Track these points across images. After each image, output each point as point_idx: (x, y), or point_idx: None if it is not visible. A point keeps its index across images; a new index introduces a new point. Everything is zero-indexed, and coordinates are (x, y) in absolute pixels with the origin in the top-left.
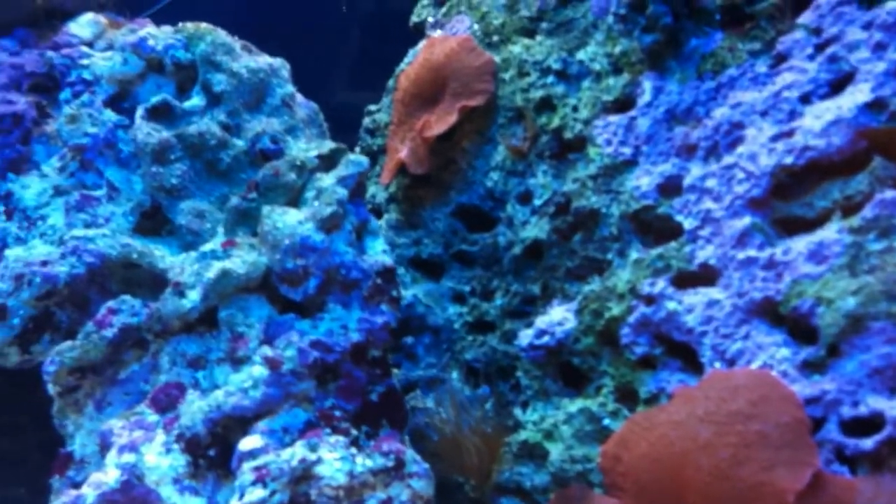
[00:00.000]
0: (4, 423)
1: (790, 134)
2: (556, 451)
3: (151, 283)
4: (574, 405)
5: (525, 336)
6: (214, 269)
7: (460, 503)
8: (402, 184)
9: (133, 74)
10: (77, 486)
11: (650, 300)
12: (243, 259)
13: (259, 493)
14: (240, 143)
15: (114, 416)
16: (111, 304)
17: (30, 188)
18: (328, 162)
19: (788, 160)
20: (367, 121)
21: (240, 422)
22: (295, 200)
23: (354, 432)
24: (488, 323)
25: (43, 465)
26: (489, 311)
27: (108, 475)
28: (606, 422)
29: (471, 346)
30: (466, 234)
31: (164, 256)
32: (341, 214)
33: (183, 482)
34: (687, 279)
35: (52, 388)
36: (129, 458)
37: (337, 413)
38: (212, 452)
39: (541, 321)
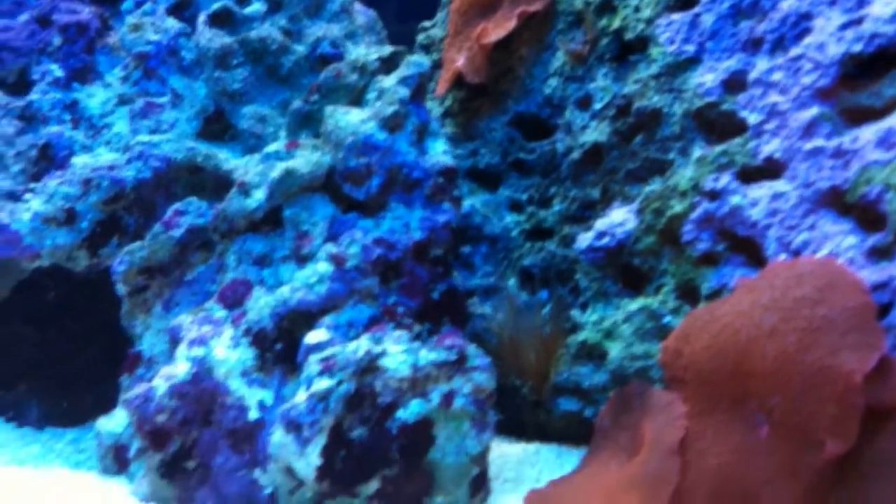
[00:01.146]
0: (70, 332)
1: (859, 22)
2: (615, 349)
3: (215, 186)
4: (634, 304)
5: (584, 239)
6: (279, 168)
7: (518, 406)
8: (457, 97)
9: None
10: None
11: (714, 196)
12: (307, 159)
13: (326, 383)
14: (300, 49)
15: (178, 318)
16: (178, 205)
17: (95, 97)
18: (388, 65)
19: (857, 48)
20: (420, 37)
21: (305, 317)
22: (356, 102)
23: (417, 328)
24: (546, 229)
25: (107, 374)
26: (547, 217)
27: (179, 368)
28: (667, 319)
29: (528, 253)
30: (524, 143)
31: (228, 159)
32: (403, 114)
33: (250, 375)
34: (752, 174)
35: (121, 289)
36: (198, 351)
37: (400, 309)
38: (278, 347)
39: (600, 224)
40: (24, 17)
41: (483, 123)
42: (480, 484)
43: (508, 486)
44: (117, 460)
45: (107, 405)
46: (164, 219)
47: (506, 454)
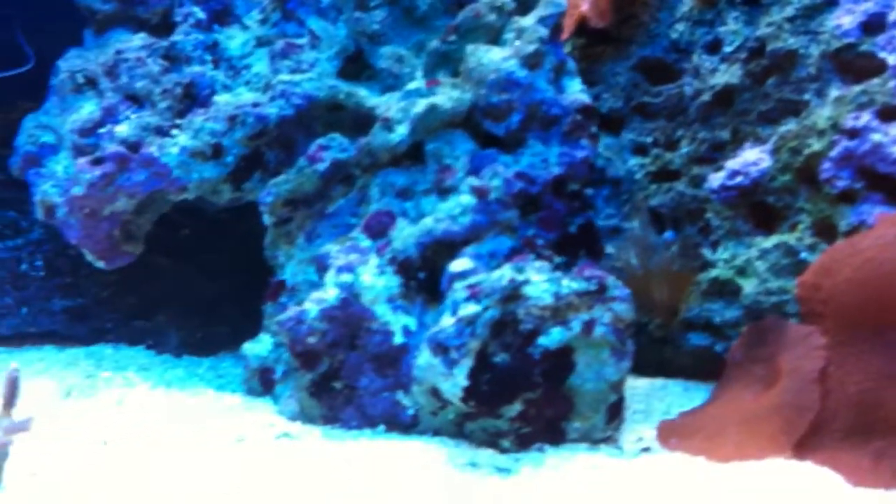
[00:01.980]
0: (203, 265)
1: None
2: (749, 285)
3: (353, 123)
4: (768, 241)
5: (716, 178)
6: (421, 105)
7: (643, 345)
8: (577, 44)
9: None
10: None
11: (854, 134)
12: (448, 95)
13: (472, 308)
14: None
15: (321, 248)
16: (321, 141)
17: (234, 39)
18: (524, 6)
19: None
20: None
21: (448, 247)
22: (494, 42)
23: (557, 259)
24: (673, 171)
25: (237, 305)
26: (673, 159)
27: (328, 293)
28: (803, 255)
29: (655, 194)
30: (649, 87)
31: (368, 96)
32: (542, 53)
33: (395, 302)
34: (892, 113)
35: (267, 219)
36: (346, 277)
37: (539, 241)
38: (421, 275)
39: (732, 163)
40: None
41: (606, 68)
42: (617, 411)
43: (639, 416)
44: (263, 382)
45: (239, 335)
46: (308, 153)
47: (633, 387)
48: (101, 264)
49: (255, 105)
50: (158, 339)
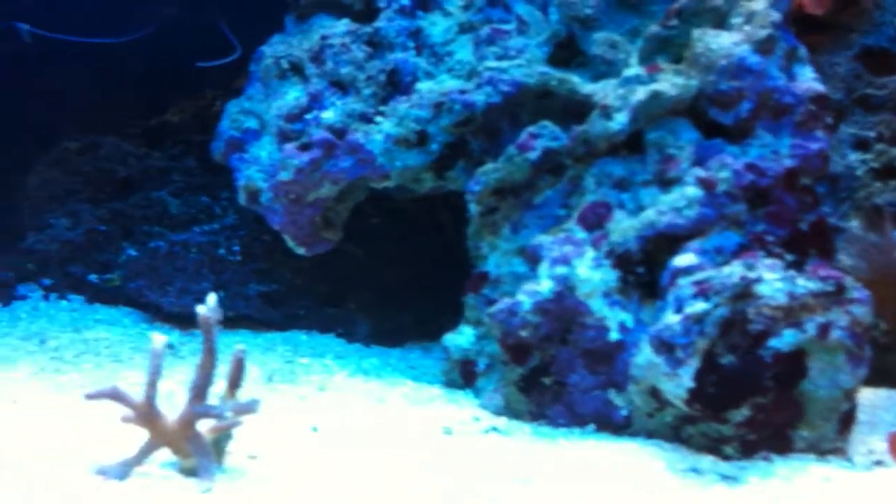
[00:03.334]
0: (391, 254)
1: None
2: None
3: (564, 112)
4: None
5: None
6: (642, 92)
7: None
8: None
9: None
10: (492, 303)
11: None
12: (672, 82)
13: (701, 305)
14: None
15: (528, 239)
16: (531, 129)
17: (437, 25)
18: None
19: None
20: None
21: (669, 241)
22: (719, 26)
23: (788, 257)
24: None
25: (423, 294)
26: None
27: (542, 285)
28: None
29: (880, 192)
30: (872, 78)
31: (582, 83)
32: (775, 38)
33: (612, 296)
34: None
35: (474, 208)
36: (561, 270)
37: (769, 238)
38: (640, 269)
39: None
40: None
41: (823, 59)
42: (848, 420)
43: (864, 427)
44: (464, 374)
45: (422, 325)
46: (518, 141)
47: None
48: (301, 250)
49: (462, 92)
50: (348, 326)
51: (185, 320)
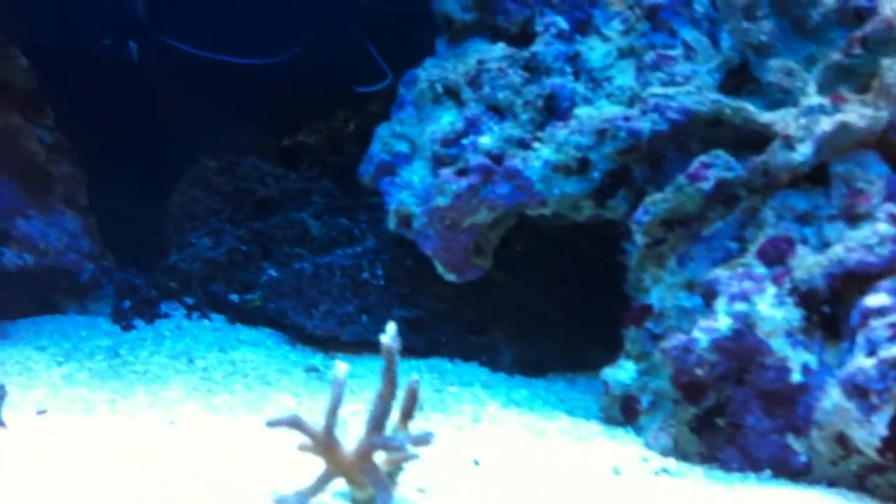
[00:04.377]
0: (536, 282)
1: None
2: None
3: (736, 141)
4: None
5: None
6: (828, 122)
7: None
8: None
9: None
10: (655, 337)
11: None
12: (860, 113)
13: None
14: (829, 1)
15: (696, 272)
16: (703, 158)
17: (595, 50)
18: None
19: None
20: None
21: (859, 279)
22: None
23: None
24: None
25: (568, 324)
26: None
27: (720, 322)
28: None
29: None
30: None
31: (759, 112)
32: None
33: (795, 336)
34: None
35: (640, 239)
36: (740, 306)
37: None
38: (825, 309)
39: None
40: None
41: None
42: None
43: None
44: (624, 411)
45: (566, 355)
46: (688, 171)
47: None
48: (452, 277)
49: (626, 119)
50: (492, 355)
51: (328, 343)
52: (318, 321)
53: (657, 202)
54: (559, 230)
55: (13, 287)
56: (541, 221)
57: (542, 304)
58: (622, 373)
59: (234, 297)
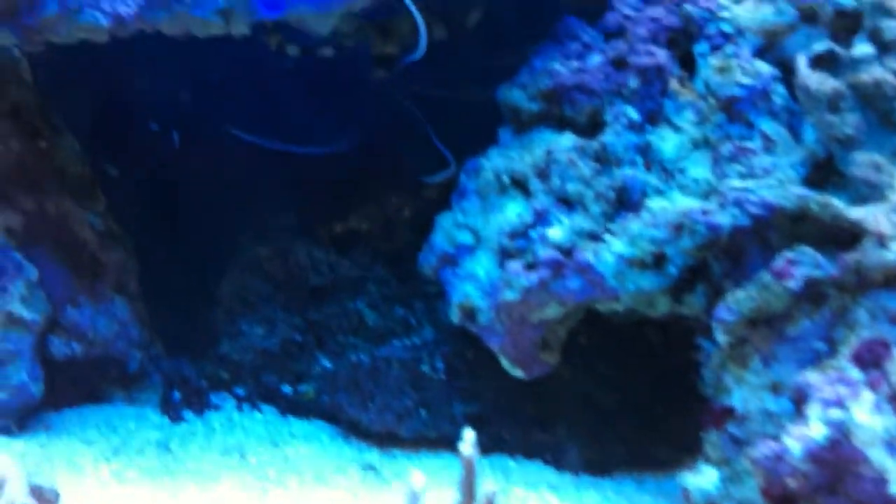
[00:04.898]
0: (603, 377)
1: None
2: None
3: (818, 237)
4: None
5: None
6: None
7: None
8: None
9: (784, 25)
10: (738, 442)
11: None
12: None
13: None
14: None
15: (782, 373)
16: (790, 254)
17: (667, 140)
18: None
19: None
20: None
21: None
22: None
23: None
24: None
25: (636, 422)
26: None
27: (814, 430)
28: None
29: None
30: None
31: (847, 208)
32: None
33: (894, 445)
34: None
35: (722, 338)
36: (835, 413)
37: None
38: None
39: None
40: (597, 59)
41: None
42: None
43: None
44: None
45: (633, 454)
46: (773, 267)
47: None
48: (519, 373)
49: (705, 213)
50: (557, 453)
51: (384, 439)
52: (374, 415)
53: (741, 300)
54: (625, 322)
55: (60, 376)
56: (616, 317)
57: (607, 399)
58: (704, 480)
59: (287, 389)
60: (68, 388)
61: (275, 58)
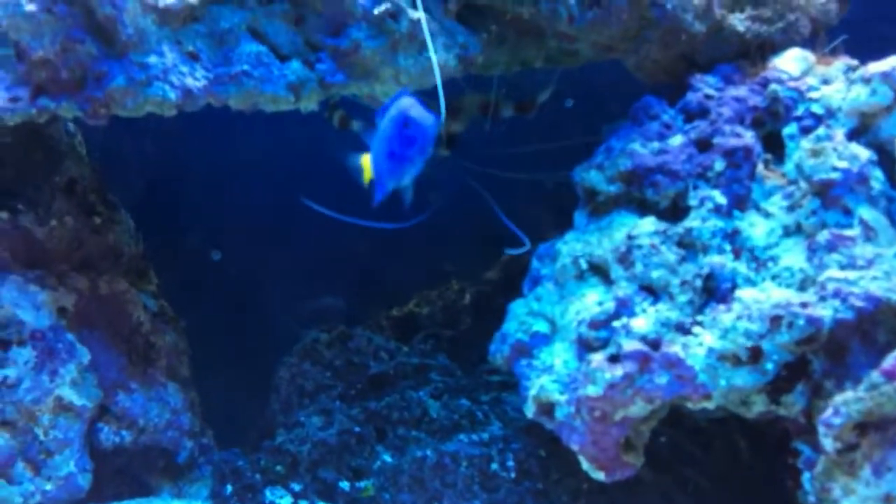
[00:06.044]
0: (684, 480)
1: None
2: None
3: None
4: None
5: None
6: None
7: None
8: None
9: (880, 106)
10: None
11: None
12: None
13: None
14: None
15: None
16: None
17: (756, 226)
18: None
19: None
20: None
21: None
22: None
23: None
24: None
25: None
26: None
27: None
28: None
29: None
30: None
31: None
32: None
33: None
34: None
35: (830, 445)
36: None
37: None
38: None
39: None
40: (679, 140)
41: None
42: None
43: None
44: None
45: None
46: (883, 367)
47: None
48: (600, 475)
49: (804, 305)
50: None
51: None
52: None
53: (850, 402)
54: (708, 422)
55: (105, 466)
56: (701, 415)
57: (690, 502)
58: None
59: (345, 485)
60: (114, 478)
61: (338, 133)
